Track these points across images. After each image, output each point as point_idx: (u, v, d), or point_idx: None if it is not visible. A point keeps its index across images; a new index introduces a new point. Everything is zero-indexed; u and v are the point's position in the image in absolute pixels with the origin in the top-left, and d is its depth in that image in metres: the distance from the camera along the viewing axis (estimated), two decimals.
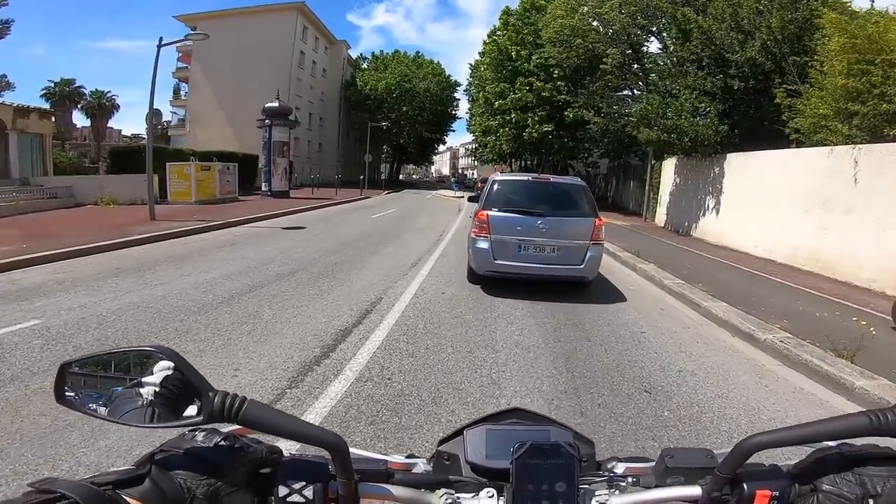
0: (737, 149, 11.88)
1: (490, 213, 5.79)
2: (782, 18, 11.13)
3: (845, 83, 8.64)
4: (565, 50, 18.85)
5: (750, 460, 0.51)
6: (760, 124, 12.30)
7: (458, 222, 13.88)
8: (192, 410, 0.50)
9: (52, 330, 4.04)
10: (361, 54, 47.91)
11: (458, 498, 0.56)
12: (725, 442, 2.79)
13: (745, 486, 0.50)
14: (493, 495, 0.55)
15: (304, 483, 0.52)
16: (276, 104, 21.69)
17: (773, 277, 7.62)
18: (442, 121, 46.20)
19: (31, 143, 17.80)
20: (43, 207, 14.46)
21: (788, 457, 0.61)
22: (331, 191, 25.38)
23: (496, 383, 3.31)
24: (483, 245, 5.67)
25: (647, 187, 16.37)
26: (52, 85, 39.32)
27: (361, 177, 28.18)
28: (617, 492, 0.57)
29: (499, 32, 27.09)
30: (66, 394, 0.53)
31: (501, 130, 26.18)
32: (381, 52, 49.26)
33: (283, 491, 0.52)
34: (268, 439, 0.57)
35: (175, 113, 37.55)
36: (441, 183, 61.55)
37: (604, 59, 16.69)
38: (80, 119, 44.43)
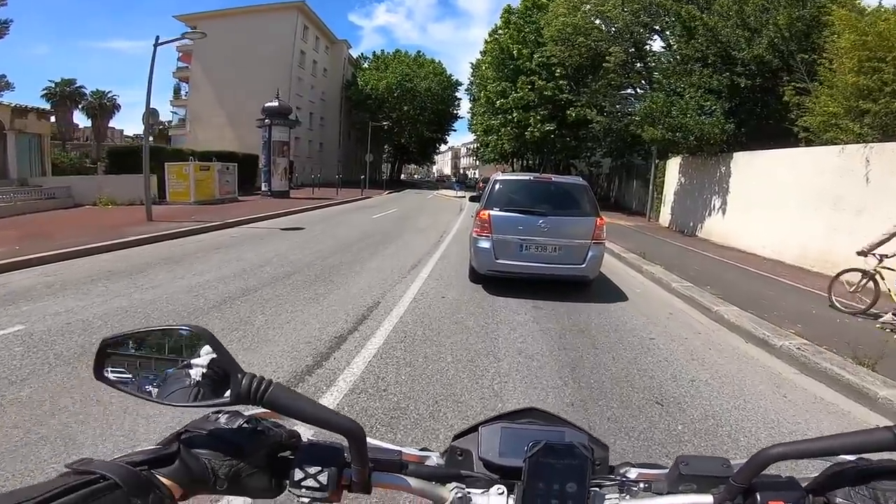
0: (743, 148, 11.66)
1: (492, 212, 5.76)
2: (789, 16, 10.93)
3: (856, 81, 8.44)
4: (567, 48, 18.65)
5: (768, 472, 0.50)
6: (767, 123, 12.10)
7: (459, 223, 13.70)
8: (222, 391, 0.50)
9: (35, 336, 3.88)
10: (362, 54, 47.85)
11: (469, 493, 0.56)
12: (745, 458, 2.60)
13: (758, 496, 0.49)
14: (503, 492, 0.55)
15: (319, 468, 0.53)
16: (275, 104, 21.52)
17: (783, 279, 7.42)
18: (443, 120, 46.01)
19: (30, 143, 17.68)
20: (41, 208, 14.36)
21: (809, 469, 0.57)
22: (331, 191, 25.21)
23: (498, 395, 3.12)
24: (485, 244, 5.66)
25: (650, 187, 16.16)
26: (53, 85, 39.26)
27: (362, 177, 28.01)
28: (628, 496, 0.56)
29: (500, 31, 26.85)
30: (106, 371, 0.54)
31: (503, 130, 25.95)
32: (383, 51, 49.14)
33: (298, 474, 0.52)
34: (288, 423, 0.57)
35: (175, 113, 37.47)
36: (441, 182, 61.33)
37: (606, 58, 16.48)
38: (81, 119, 44.46)
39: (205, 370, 0.52)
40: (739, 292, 6.07)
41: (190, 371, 0.52)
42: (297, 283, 5.79)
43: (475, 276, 5.97)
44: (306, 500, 0.53)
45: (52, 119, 40.97)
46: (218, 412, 0.55)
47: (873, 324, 5.03)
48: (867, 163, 7.73)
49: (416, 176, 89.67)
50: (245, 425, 0.54)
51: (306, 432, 0.59)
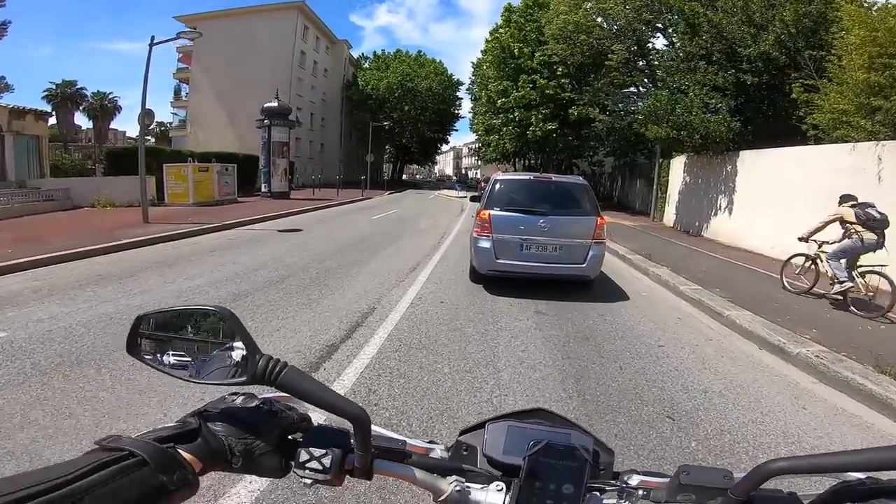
0: (749, 146, 11.43)
1: (492, 212, 5.74)
2: (796, 12, 10.68)
3: (867, 77, 8.21)
4: (569, 46, 18.42)
5: (775, 486, 0.49)
6: (774, 120, 11.84)
7: (459, 224, 13.49)
8: (240, 371, 0.52)
9: (15, 344, 3.72)
10: (363, 54, 47.64)
11: (468, 487, 0.56)
12: (769, 482, 2.39)
13: None
14: (501, 489, 0.56)
15: (324, 451, 0.54)
16: (275, 104, 21.34)
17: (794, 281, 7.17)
18: (444, 120, 45.82)
19: (28, 144, 17.58)
20: (39, 210, 14.28)
21: (815, 487, 0.54)
22: (332, 191, 25.04)
23: (497, 410, 2.91)
24: (485, 244, 5.64)
25: (654, 186, 15.92)
26: (54, 86, 39.29)
27: (363, 177, 27.84)
28: (625, 503, 0.56)
29: (501, 30, 26.59)
30: (140, 347, 0.57)
31: (505, 129, 25.69)
32: (383, 51, 48.99)
33: (304, 456, 0.54)
34: (301, 407, 0.59)
35: (176, 114, 37.40)
36: (442, 182, 61.08)
37: (609, 56, 16.26)
38: (83, 121, 44.50)
39: (245, 352, 0.52)
40: (750, 295, 5.85)
41: (233, 353, 0.54)
42: (290, 287, 5.60)
43: (476, 276, 5.94)
44: (309, 480, 0.54)
45: (54, 121, 41.03)
46: (234, 394, 0.57)
47: (894, 328, 4.96)
48: (879, 161, 7.50)
49: (418, 176, 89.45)
50: (260, 406, 0.55)
51: (318, 418, 0.60)
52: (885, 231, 5.40)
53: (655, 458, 2.50)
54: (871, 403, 3.29)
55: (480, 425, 0.63)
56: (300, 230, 11.06)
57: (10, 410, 2.70)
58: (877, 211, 5.49)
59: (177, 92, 36.64)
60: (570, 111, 19.74)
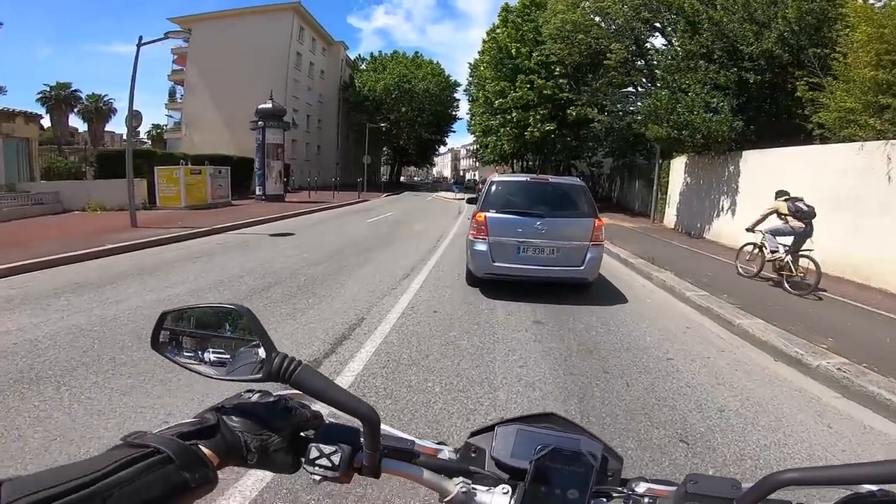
0: (752, 146, 11.18)
1: (488, 214, 5.63)
2: (799, 9, 10.44)
3: (874, 75, 7.97)
4: (567, 46, 18.16)
5: (779, 498, 0.48)
6: (777, 120, 11.60)
7: (456, 227, 13.18)
8: (256, 368, 0.53)
9: None
10: (360, 55, 47.31)
11: (474, 488, 0.56)
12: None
13: None
14: (507, 492, 0.56)
15: (334, 448, 0.54)
16: (269, 105, 21.01)
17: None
18: (442, 122, 45.57)
19: (17, 147, 17.23)
20: (28, 214, 14.04)
21: (826, 498, 0.51)
22: (329, 194, 24.74)
23: None
24: (481, 247, 5.53)
25: (654, 187, 15.66)
26: (48, 89, 38.92)
27: (359, 179, 27.57)
28: None
29: (498, 30, 26.35)
30: (163, 345, 0.60)
31: (502, 130, 25.40)
32: (380, 52, 48.71)
33: (314, 453, 0.54)
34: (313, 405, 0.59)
35: (171, 116, 37.10)
36: (438, 184, 60.74)
37: (607, 55, 16.01)
38: (79, 124, 44.13)
39: (255, 350, 0.54)
40: (758, 301, 5.57)
41: (259, 350, 0.54)
42: (275, 296, 5.30)
43: (472, 280, 5.84)
44: (318, 477, 0.54)
45: (48, 124, 40.66)
46: (249, 391, 0.58)
47: (819, 303, 5.86)
48: (889, 160, 7.25)
49: (416, 178, 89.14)
50: (275, 403, 0.56)
51: (330, 416, 0.60)
52: (813, 220, 6.50)
53: None
54: None
55: (490, 428, 0.63)
56: (292, 234, 10.76)
57: None
58: (804, 204, 6.56)
59: (171, 94, 36.37)
60: (569, 111, 19.47)
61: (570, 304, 5.37)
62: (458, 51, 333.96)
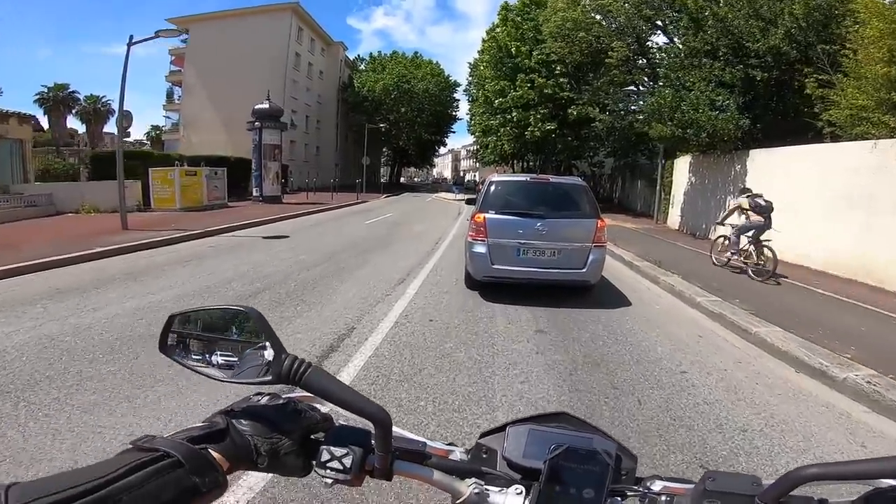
0: (758, 144, 10.90)
1: (487, 215, 5.46)
2: (807, 5, 10.16)
3: (887, 71, 7.71)
4: (567, 44, 17.88)
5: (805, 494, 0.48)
6: (784, 118, 11.31)
7: (455, 228, 12.88)
8: (266, 371, 0.52)
9: None
10: (359, 55, 47.03)
11: (487, 489, 0.56)
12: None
13: None
14: (521, 492, 0.55)
15: (345, 451, 0.54)
16: (265, 105, 20.73)
17: (816, 288, 6.63)
18: (442, 122, 45.27)
19: (11, 148, 17.02)
20: (21, 216, 13.84)
21: (848, 494, 0.50)
22: (328, 195, 24.47)
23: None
24: (480, 249, 5.38)
25: (657, 187, 15.37)
26: (46, 90, 38.69)
27: (358, 180, 27.32)
28: None
29: (498, 29, 26.06)
30: (170, 345, 0.59)
31: (502, 130, 25.08)
32: (380, 52, 48.42)
33: (325, 456, 0.54)
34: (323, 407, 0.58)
35: (168, 117, 36.86)
36: (437, 184, 60.42)
37: (609, 54, 15.73)
38: (77, 125, 43.90)
39: (265, 351, 0.53)
40: (773, 306, 5.29)
41: (265, 352, 0.53)
42: (263, 303, 5.01)
43: (471, 283, 5.70)
44: (330, 480, 0.54)
45: (46, 126, 40.45)
46: (259, 394, 0.57)
47: (777, 287, 6.60)
48: None
49: (416, 179, 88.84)
50: (285, 406, 0.56)
51: (340, 418, 0.58)
52: (771, 214, 7.27)
53: None
54: None
55: (501, 428, 0.62)
56: (286, 236, 10.48)
57: None
58: (763, 200, 7.39)
59: (169, 95, 36.12)
60: (570, 111, 19.17)
61: (573, 310, 5.09)
62: (458, 52, 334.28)
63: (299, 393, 0.55)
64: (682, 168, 14.14)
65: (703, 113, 10.92)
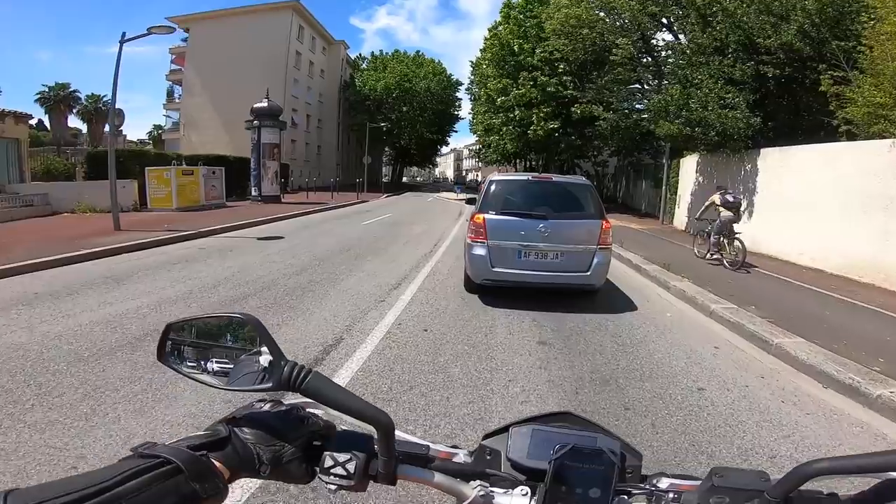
0: (769, 143, 10.54)
1: (487, 216, 5.23)
2: (819, 0, 9.80)
3: None
4: (571, 42, 17.54)
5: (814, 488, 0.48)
6: (796, 116, 10.94)
7: (456, 229, 12.54)
8: (266, 378, 0.51)
9: None
10: (360, 54, 46.76)
11: (492, 491, 0.55)
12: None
13: None
14: (526, 493, 0.55)
15: (348, 457, 0.53)
16: (264, 104, 20.44)
17: (834, 293, 6.30)
18: (444, 121, 44.91)
19: (7, 148, 16.84)
20: (16, 216, 13.66)
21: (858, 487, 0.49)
22: (328, 195, 24.19)
23: None
24: (480, 251, 5.16)
25: (663, 187, 15.01)
26: (47, 89, 38.58)
27: (358, 179, 27.03)
28: None
29: (500, 27, 25.70)
30: (168, 354, 0.58)
31: (505, 129, 24.70)
32: (381, 51, 48.17)
33: (328, 462, 0.53)
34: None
35: (168, 116, 36.65)
36: (439, 184, 60.06)
37: (613, 51, 15.38)
38: (79, 124, 43.80)
39: (272, 357, 0.52)
40: (792, 313, 4.95)
41: (260, 358, 0.53)
42: (247, 309, 4.67)
43: (470, 286, 5.52)
44: (333, 486, 0.53)
45: (48, 125, 40.40)
46: (261, 400, 0.57)
47: (748, 275, 7.32)
48: None
49: (418, 178, 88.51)
50: (287, 412, 0.55)
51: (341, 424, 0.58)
52: (740, 210, 8.32)
53: None
54: None
55: (504, 429, 0.61)
56: (281, 237, 10.18)
57: None
58: (731, 196, 8.23)
59: (169, 94, 35.93)
60: (573, 109, 18.78)
61: (578, 318, 4.77)
62: (461, 52, 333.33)
63: (300, 399, 0.54)
64: (688, 167, 13.78)
65: (712, 111, 10.57)
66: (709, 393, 3.23)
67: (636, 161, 20.65)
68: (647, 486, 0.55)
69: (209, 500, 0.44)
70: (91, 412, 2.71)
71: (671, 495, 0.53)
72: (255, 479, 0.55)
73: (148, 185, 15.70)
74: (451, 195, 31.41)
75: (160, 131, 41.37)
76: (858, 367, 3.51)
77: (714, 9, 11.57)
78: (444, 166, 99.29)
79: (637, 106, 17.72)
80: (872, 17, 8.58)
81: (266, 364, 0.52)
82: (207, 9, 34.00)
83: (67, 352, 3.58)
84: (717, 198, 8.21)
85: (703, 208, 8.73)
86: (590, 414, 2.84)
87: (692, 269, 7.26)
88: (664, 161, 14.79)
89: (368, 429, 0.52)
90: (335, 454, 0.53)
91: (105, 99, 41.49)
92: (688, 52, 12.69)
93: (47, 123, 41.20)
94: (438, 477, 0.55)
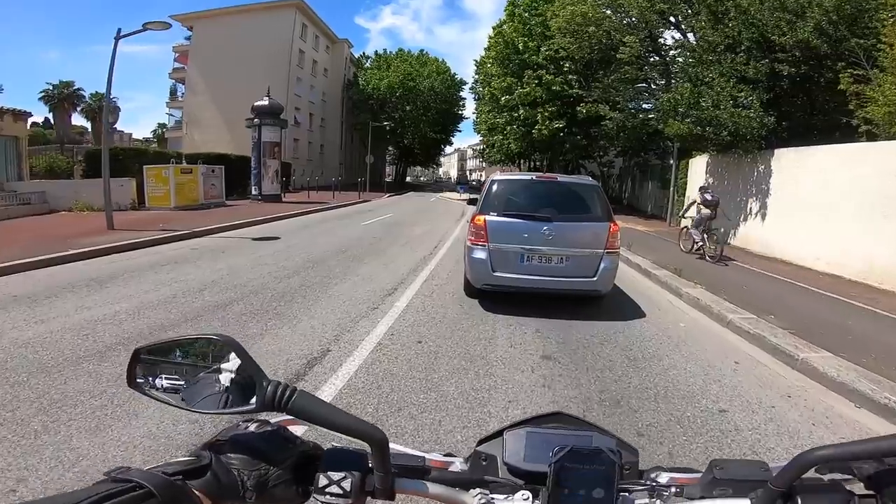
0: (783, 143, 10.17)
1: (488, 217, 4.97)
2: None
3: None
4: (577, 40, 17.18)
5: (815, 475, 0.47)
6: (811, 116, 10.56)
7: (457, 230, 12.23)
8: (248, 399, 0.49)
9: None
10: (364, 53, 46.56)
11: (493, 499, 0.54)
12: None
13: (799, 499, 0.46)
14: (528, 498, 0.54)
15: (343, 475, 0.52)
16: (265, 102, 20.21)
17: (855, 301, 5.95)
18: (447, 121, 44.54)
19: (6, 146, 16.73)
20: (13, 214, 13.54)
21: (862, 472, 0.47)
22: (330, 194, 23.94)
23: None
24: (480, 255, 4.91)
25: (671, 188, 14.64)
26: (51, 87, 38.58)
27: (360, 179, 26.77)
28: (658, 501, 0.54)
29: (505, 25, 25.36)
30: (138, 379, 0.55)
31: (509, 128, 24.34)
32: (385, 50, 47.84)
33: (323, 481, 0.52)
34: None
35: (171, 115, 36.53)
36: (442, 184, 59.74)
37: (620, 49, 15.03)
38: (84, 122, 43.82)
39: (234, 376, 0.50)
40: (813, 323, 4.62)
41: (220, 377, 0.51)
42: (230, 317, 4.42)
43: (470, 291, 5.30)
44: None
45: (51, 123, 40.42)
46: (247, 420, 0.55)
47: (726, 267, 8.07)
48: None
49: (422, 178, 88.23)
50: (273, 433, 0.53)
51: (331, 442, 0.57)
52: (717, 208, 8.92)
53: None
54: None
55: (498, 434, 0.61)
56: (277, 238, 9.91)
57: None
58: (710, 195, 9.00)
59: (172, 92, 35.82)
60: (578, 108, 18.43)
61: (585, 328, 4.44)
62: (466, 52, 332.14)
63: (288, 418, 0.52)
64: (698, 168, 13.41)
65: (724, 110, 10.21)
66: (731, 415, 2.91)
67: (642, 161, 20.25)
68: (648, 482, 0.54)
69: None
70: (42, 429, 2.44)
71: (673, 489, 0.53)
72: None
73: (146, 184, 15.52)
74: (454, 195, 31.11)
75: (164, 130, 41.31)
76: (893, 384, 3.18)
77: (726, 6, 11.21)
78: (448, 166, 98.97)
79: (644, 105, 17.36)
80: (892, 14, 8.24)
81: (248, 385, 0.49)
82: (210, 6, 33.83)
83: (31, 361, 3.31)
84: (697, 196, 9.07)
85: (685, 206, 9.59)
86: None
87: (703, 275, 6.89)
88: (672, 162, 14.41)
89: (360, 444, 0.51)
90: (329, 473, 0.52)
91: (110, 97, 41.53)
92: (698, 49, 12.32)
93: (49, 121, 41.29)
94: (437, 488, 0.54)
